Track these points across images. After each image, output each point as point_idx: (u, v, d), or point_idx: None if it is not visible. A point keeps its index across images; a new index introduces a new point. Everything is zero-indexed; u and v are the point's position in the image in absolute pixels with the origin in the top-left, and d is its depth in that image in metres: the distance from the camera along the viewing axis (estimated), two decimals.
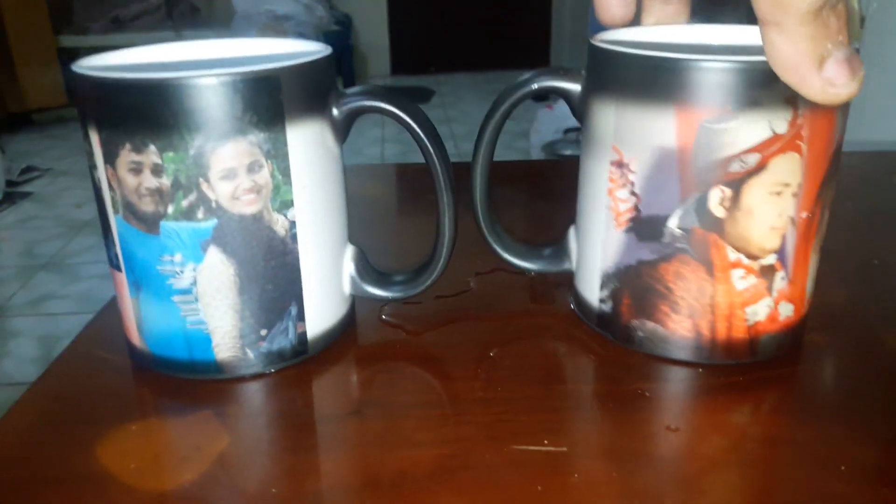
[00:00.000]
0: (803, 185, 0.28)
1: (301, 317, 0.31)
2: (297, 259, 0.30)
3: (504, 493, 0.24)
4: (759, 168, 0.28)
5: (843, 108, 0.28)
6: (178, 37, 3.07)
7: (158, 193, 0.27)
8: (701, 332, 0.30)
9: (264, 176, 0.28)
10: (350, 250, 0.33)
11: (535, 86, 0.32)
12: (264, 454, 0.27)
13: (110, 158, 0.27)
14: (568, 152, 2.23)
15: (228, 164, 0.27)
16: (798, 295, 0.30)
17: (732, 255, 0.29)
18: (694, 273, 0.29)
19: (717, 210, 0.28)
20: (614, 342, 0.32)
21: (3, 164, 2.36)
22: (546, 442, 0.27)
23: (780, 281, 0.30)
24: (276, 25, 2.78)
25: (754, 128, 0.27)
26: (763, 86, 0.27)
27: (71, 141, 2.96)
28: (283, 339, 0.30)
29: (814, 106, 0.27)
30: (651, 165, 0.29)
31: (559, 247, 0.36)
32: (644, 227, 0.30)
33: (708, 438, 0.27)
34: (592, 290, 0.33)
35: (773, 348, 0.31)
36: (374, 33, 3.79)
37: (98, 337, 0.34)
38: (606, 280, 0.32)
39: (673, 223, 0.29)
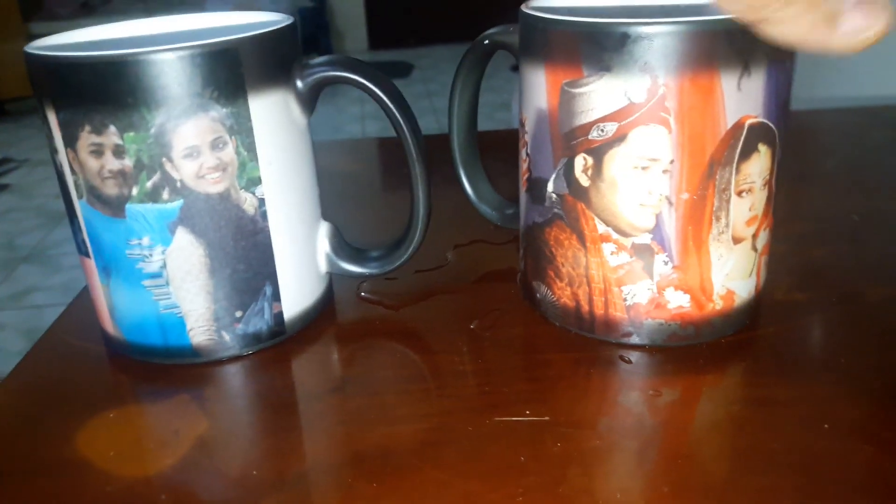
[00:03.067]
0: (678, 163, 0.26)
1: (276, 297, 0.30)
2: (268, 238, 0.29)
3: (487, 464, 0.24)
4: (618, 138, 0.26)
5: (736, 83, 0.25)
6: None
7: (121, 175, 0.26)
8: (580, 302, 0.30)
9: (229, 153, 0.27)
10: (324, 227, 0.33)
11: (486, 41, 0.33)
12: (244, 436, 0.26)
13: (70, 141, 0.27)
14: None
15: (191, 141, 0.26)
16: (697, 287, 0.28)
17: (601, 228, 0.28)
18: (569, 240, 0.29)
19: (582, 178, 0.28)
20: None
21: None
22: (528, 412, 0.26)
23: (661, 265, 0.28)
24: (250, 4, 2.73)
25: (609, 95, 0.26)
26: (614, 49, 0.25)
27: None
28: (258, 321, 0.30)
29: (681, 77, 0.25)
30: (534, 126, 0.29)
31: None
32: (534, 188, 0.30)
33: (692, 402, 0.27)
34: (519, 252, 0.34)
35: (665, 336, 0.29)
36: (349, 8, 3.73)
37: (72, 326, 0.34)
38: (522, 240, 0.33)
39: (550, 187, 0.29)
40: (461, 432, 0.25)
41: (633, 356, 0.29)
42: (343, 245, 0.33)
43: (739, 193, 0.27)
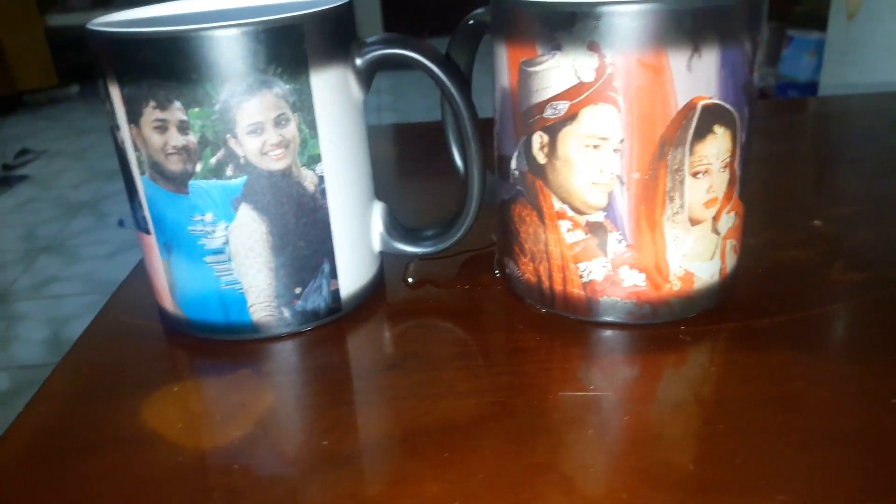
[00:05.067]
0: (628, 142, 0.26)
1: (334, 274, 0.30)
2: (327, 215, 0.29)
3: (556, 437, 0.24)
4: (570, 117, 0.27)
5: (686, 63, 0.25)
6: None
7: (186, 151, 0.27)
8: (541, 277, 0.30)
9: (291, 130, 0.27)
10: (378, 207, 0.33)
11: (471, 21, 0.33)
12: (310, 409, 0.26)
13: (134, 117, 0.27)
14: None
15: (255, 118, 0.26)
16: (651, 266, 0.28)
17: (557, 205, 0.28)
18: (530, 217, 0.29)
19: (539, 156, 0.28)
20: None
21: None
22: (592, 387, 0.26)
23: (615, 243, 0.28)
24: None
25: (560, 74, 0.26)
26: (564, 28, 0.26)
27: (64, 121, 2.93)
28: (317, 298, 0.30)
29: (628, 57, 0.25)
30: (500, 104, 0.30)
31: None
32: (501, 166, 0.31)
33: (753, 379, 0.27)
34: None
35: (622, 314, 0.29)
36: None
37: (126, 304, 0.34)
38: (497, 218, 0.33)
39: (513, 164, 0.29)
40: (526, 406, 0.26)
41: (692, 334, 0.29)
42: (396, 225, 0.33)
43: (695, 175, 0.27)
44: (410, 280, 0.35)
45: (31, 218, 2.12)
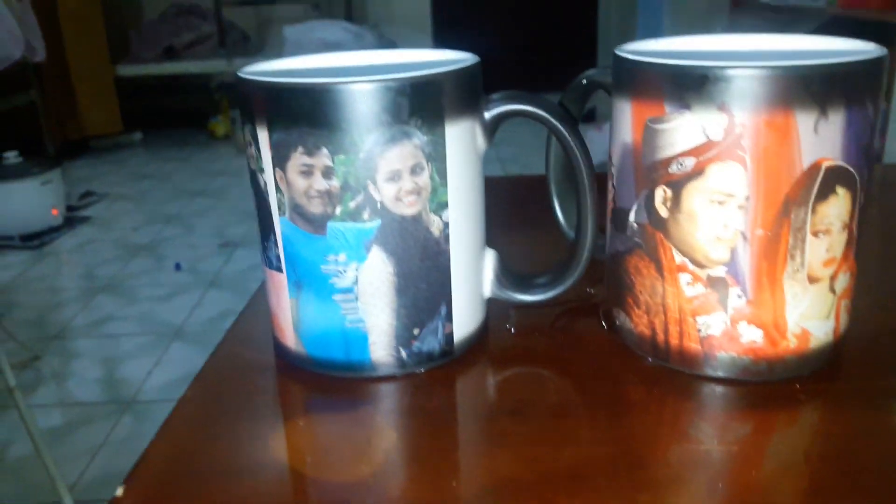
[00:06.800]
0: (753, 200, 0.27)
1: (449, 317, 0.31)
2: (448, 260, 0.30)
3: (686, 489, 0.24)
4: (696, 173, 0.27)
5: (812, 126, 0.26)
6: (230, 65, 3.14)
7: (328, 195, 0.28)
8: (656, 330, 0.30)
9: (424, 178, 0.29)
10: (490, 254, 0.34)
11: (584, 81, 0.35)
12: (435, 449, 0.27)
13: (280, 162, 0.28)
14: None
15: (394, 166, 0.28)
16: (770, 322, 0.28)
17: (678, 258, 0.29)
18: (647, 269, 0.30)
19: (662, 209, 0.29)
20: None
21: (64, 189, 2.44)
22: (715, 442, 0.26)
23: (735, 298, 0.28)
24: (336, 45, 2.83)
25: (689, 131, 0.27)
26: (694, 90, 0.27)
27: (127, 167, 3.05)
28: (432, 340, 0.31)
29: (757, 118, 0.26)
30: (620, 158, 0.31)
31: None
32: (617, 218, 0.31)
33: (871, 438, 0.27)
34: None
35: (737, 370, 0.29)
36: None
37: (242, 340, 0.35)
38: (606, 269, 0.34)
39: (632, 217, 0.30)
40: (654, 457, 0.26)
41: (807, 392, 0.29)
42: (506, 272, 0.34)
43: (816, 234, 0.28)
44: (512, 329, 0.35)
45: (90, 258, 2.19)
